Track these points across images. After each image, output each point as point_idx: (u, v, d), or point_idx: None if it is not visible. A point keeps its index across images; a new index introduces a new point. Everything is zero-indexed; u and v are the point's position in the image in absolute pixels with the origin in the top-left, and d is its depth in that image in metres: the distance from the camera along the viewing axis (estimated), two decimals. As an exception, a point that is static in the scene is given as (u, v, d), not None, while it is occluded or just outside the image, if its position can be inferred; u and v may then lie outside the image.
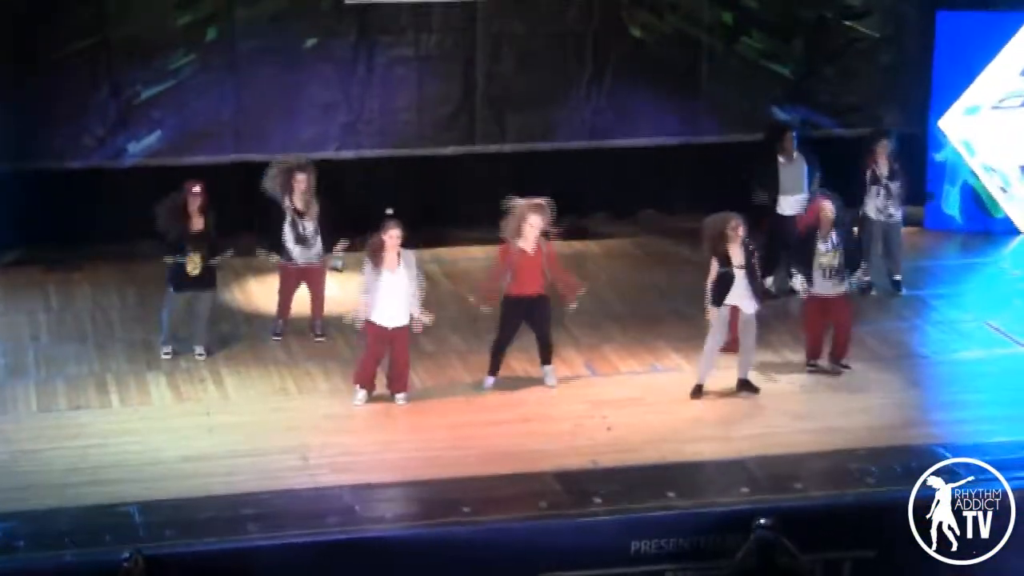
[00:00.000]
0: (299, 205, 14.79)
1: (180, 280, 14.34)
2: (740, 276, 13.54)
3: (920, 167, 18.15)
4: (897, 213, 16.21)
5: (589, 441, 12.97)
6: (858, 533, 11.82)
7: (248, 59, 17.23)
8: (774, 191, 16.12)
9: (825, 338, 14.29)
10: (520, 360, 14.46)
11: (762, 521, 10.85)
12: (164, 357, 14.44)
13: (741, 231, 13.50)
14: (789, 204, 16.05)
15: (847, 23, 18.40)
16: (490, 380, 14.00)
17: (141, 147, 17.15)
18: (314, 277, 15.00)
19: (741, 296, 13.59)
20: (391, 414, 13.56)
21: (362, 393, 13.71)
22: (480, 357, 14.51)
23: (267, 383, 14.13)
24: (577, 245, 17.70)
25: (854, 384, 14.15)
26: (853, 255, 14.25)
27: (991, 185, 18.16)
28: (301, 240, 14.83)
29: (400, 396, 13.75)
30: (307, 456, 12.61)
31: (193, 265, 14.28)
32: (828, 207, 14.12)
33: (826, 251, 14.06)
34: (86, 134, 17.04)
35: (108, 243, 16.87)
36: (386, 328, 13.53)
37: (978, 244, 18.03)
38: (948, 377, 14.63)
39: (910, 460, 12.44)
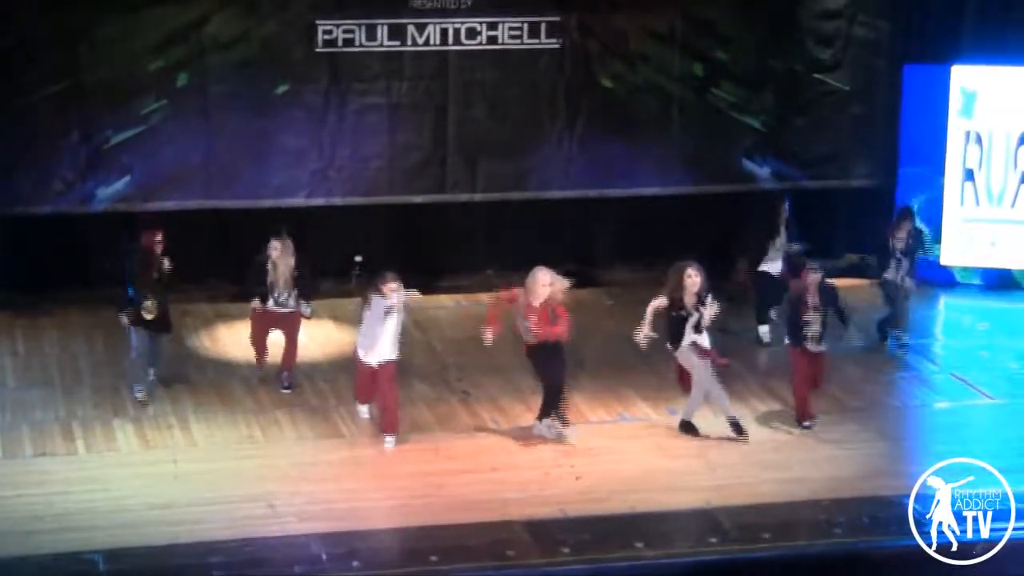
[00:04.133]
0: (275, 261, 14.84)
1: (137, 323, 14.40)
2: (690, 321, 13.73)
3: (888, 218, 18.27)
4: (911, 284, 16.34)
5: (558, 490, 12.95)
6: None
7: (219, 105, 17.24)
8: (760, 257, 16.43)
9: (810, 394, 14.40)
10: (488, 409, 14.46)
11: None
12: (138, 396, 14.41)
13: (696, 279, 13.70)
14: (769, 264, 16.47)
15: (817, 76, 18.52)
16: (558, 429, 13.93)
17: (111, 192, 17.12)
18: (289, 324, 14.99)
19: (688, 338, 13.80)
20: (359, 462, 13.52)
21: (363, 408, 14.04)
22: (448, 406, 14.50)
23: (234, 431, 14.08)
24: (547, 294, 17.73)
25: (822, 435, 14.17)
26: (841, 315, 14.53)
27: (952, 188, 18.06)
28: (272, 288, 14.84)
29: (388, 439, 13.79)
30: (274, 504, 12.55)
31: (148, 312, 14.28)
32: (815, 278, 14.33)
33: (812, 318, 14.20)
34: (56, 179, 17.00)
35: (76, 288, 16.82)
36: (371, 366, 13.73)
37: (942, 295, 18.13)
38: (916, 428, 14.68)
39: (878, 511, 12.45)
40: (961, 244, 18.24)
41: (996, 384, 15.45)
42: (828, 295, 14.37)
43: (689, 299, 13.77)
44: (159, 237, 14.40)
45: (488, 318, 13.84)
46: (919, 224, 16.93)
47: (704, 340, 13.84)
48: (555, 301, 13.68)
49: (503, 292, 14.03)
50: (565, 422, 13.93)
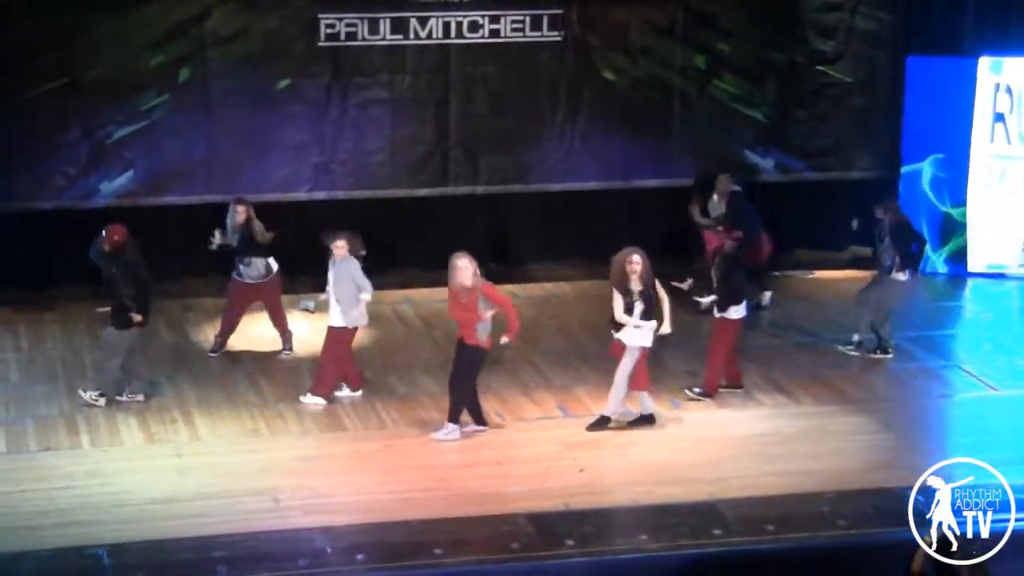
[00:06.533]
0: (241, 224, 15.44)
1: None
2: (637, 308, 13.72)
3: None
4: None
5: (561, 483, 12.95)
6: (829, 575, 11.82)
7: (221, 100, 17.23)
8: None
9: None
10: (490, 402, 14.45)
11: None
12: (98, 404, 14.23)
13: (638, 266, 13.70)
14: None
15: (819, 67, 18.51)
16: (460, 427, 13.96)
17: (113, 187, 17.12)
18: (264, 294, 15.54)
19: (629, 324, 13.78)
20: (363, 456, 13.52)
21: (345, 390, 14.53)
22: (452, 399, 14.52)
23: (238, 424, 14.08)
24: (549, 287, 17.76)
25: (825, 427, 14.18)
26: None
27: (982, 128, 18.01)
28: (243, 263, 15.45)
29: (303, 397, 14.45)
30: (278, 498, 12.56)
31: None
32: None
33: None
34: (58, 174, 17.00)
35: (79, 283, 16.81)
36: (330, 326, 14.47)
37: (947, 287, 18.13)
38: (919, 420, 14.66)
39: (881, 503, 12.46)
40: (991, 180, 18.19)
41: (1001, 376, 15.43)
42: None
43: (635, 286, 13.75)
44: (119, 236, 14.25)
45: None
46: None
47: (644, 333, 13.76)
48: (476, 290, 13.62)
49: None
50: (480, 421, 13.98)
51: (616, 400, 13.93)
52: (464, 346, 13.71)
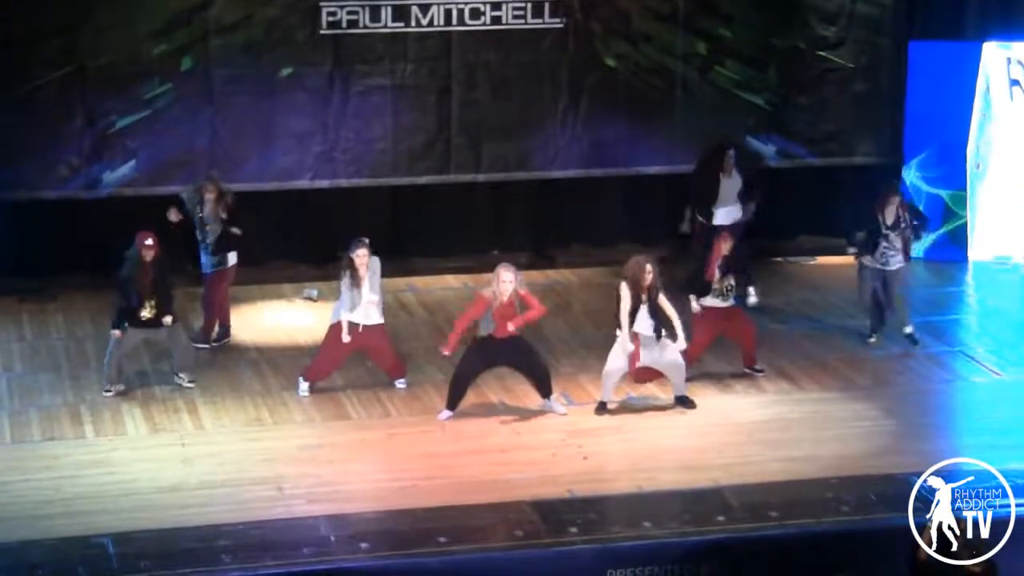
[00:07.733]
0: (204, 214, 15.35)
1: (133, 320, 14.30)
2: (645, 309, 13.85)
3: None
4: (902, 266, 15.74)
5: (565, 470, 12.96)
6: (834, 561, 11.82)
7: (223, 88, 17.23)
8: (710, 206, 17.11)
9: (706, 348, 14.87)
10: (495, 390, 14.46)
11: None
12: (107, 395, 14.27)
13: (651, 276, 13.82)
14: (721, 215, 16.93)
15: (821, 53, 18.49)
16: (446, 413, 13.97)
17: (116, 177, 17.12)
18: (208, 281, 15.52)
19: (643, 325, 13.86)
20: (367, 444, 13.54)
21: (306, 386, 14.39)
22: (456, 387, 14.53)
23: (242, 413, 14.10)
24: (552, 274, 17.76)
25: (829, 413, 14.19)
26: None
27: (999, 92, 18.01)
28: (203, 247, 15.40)
29: (400, 381, 14.50)
30: (282, 486, 12.58)
31: (148, 311, 14.24)
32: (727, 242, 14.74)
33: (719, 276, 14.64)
34: (61, 164, 17.00)
35: (83, 273, 16.84)
36: (357, 326, 14.22)
37: (950, 272, 18.13)
38: (923, 406, 14.66)
39: (885, 489, 12.46)
40: (1017, 132, 18.19)
41: (1004, 361, 15.42)
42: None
43: (643, 292, 13.86)
44: (150, 242, 14.26)
45: (455, 333, 13.97)
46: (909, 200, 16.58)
47: (647, 329, 13.87)
48: (516, 296, 13.77)
49: (472, 308, 14.02)
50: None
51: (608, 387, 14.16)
52: (516, 339, 13.86)
